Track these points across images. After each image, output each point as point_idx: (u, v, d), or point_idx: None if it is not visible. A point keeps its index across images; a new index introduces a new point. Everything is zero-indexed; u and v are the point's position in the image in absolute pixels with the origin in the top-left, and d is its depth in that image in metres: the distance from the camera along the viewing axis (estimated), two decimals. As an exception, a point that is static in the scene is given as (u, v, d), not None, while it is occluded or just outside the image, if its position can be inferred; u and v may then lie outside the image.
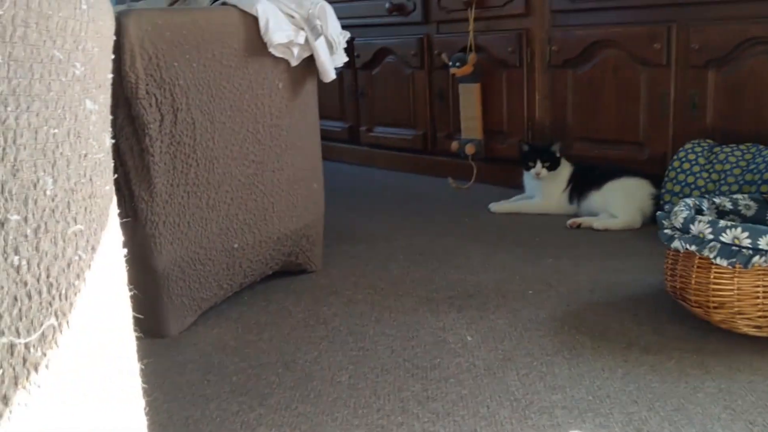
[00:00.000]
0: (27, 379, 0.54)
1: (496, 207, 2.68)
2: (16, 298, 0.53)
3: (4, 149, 0.52)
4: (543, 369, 1.43)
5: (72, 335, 0.59)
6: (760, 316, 1.48)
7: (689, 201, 1.70)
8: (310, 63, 1.89)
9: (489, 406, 1.30)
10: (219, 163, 1.69)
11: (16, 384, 0.53)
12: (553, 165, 2.56)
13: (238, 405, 1.34)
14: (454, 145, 3.06)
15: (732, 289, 1.49)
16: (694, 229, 1.54)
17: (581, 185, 2.56)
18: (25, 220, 0.54)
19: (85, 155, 0.63)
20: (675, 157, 2.22)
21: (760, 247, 1.44)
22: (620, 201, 2.41)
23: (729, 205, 1.76)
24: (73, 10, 0.59)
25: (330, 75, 1.81)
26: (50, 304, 0.56)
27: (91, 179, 0.64)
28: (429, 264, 2.11)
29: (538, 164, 2.55)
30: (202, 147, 1.65)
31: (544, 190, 2.61)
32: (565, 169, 2.60)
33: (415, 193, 3.07)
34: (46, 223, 0.56)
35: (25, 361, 0.54)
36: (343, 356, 1.53)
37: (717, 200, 1.76)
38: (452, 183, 3.10)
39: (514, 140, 2.90)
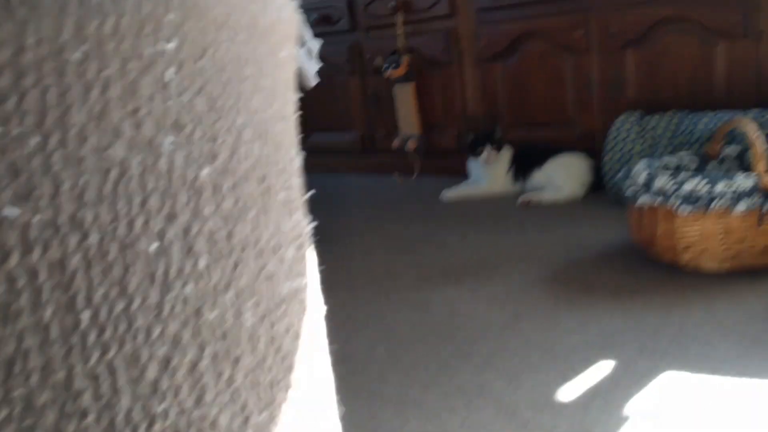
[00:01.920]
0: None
1: (448, 195, 2.87)
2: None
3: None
4: (552, 320, 1.62)
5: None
6: (723, 252, 1.73)
7: (644, 163, 1.94)
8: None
9: (520, 354, 1.47)
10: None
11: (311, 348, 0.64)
12: (498, 148, 2.78)
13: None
14: (396, 142, 3.23)
15: (697, 232, 1.73)
16: (657, 184, 1.78)
17: (523, 166, 2.79)
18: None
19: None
20: (611, 130, 2.48)
21: (717, 192, 1.68)
22: (563, 175, 2.65)
23: (675, 162, 2.02)
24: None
25: (313, 80, 1.94)
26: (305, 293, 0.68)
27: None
28: (410, 250, 2.27)
29: (487, 148, 2.75)
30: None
31: (490, 173, 2.82)
32: (506, 153, 2.82)
33: (365, 192, 3.22)
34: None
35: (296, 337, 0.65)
36: (371, 335, 1.66)
37: (666, 159, 2.01)
38: (398, 178, 3.27)
39: (451, 133, 3.10)
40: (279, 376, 0.57)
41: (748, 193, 1.68)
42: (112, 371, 0.42)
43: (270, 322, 0.56)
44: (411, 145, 3.19)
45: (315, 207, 2.54)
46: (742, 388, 1.23)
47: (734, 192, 1.68)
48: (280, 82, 0.57)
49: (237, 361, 0.52)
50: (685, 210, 1.72)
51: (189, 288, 0.46)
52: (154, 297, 0.44)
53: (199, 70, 0.45)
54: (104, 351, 0.41)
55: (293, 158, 0.62)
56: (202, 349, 0.48)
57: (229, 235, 0.50)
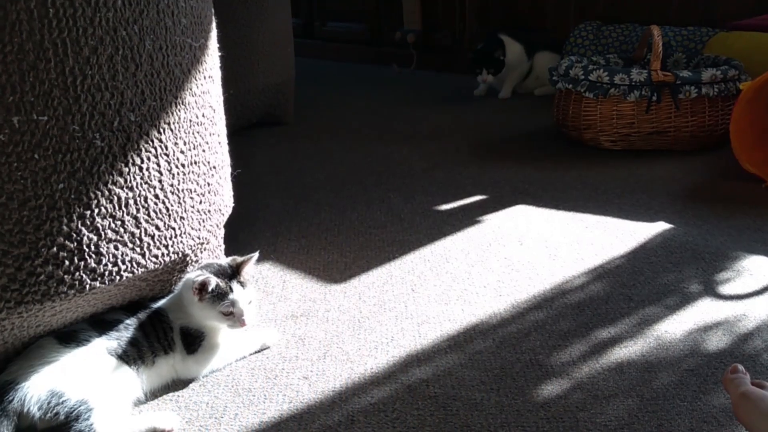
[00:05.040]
0: (203, 73, 1.08)
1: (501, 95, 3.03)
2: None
3: None
4: (461, 170, 2.03)
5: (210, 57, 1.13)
6: (615, 133, 2.10)
7: (573, 58, 2.29)
8: (284, -49, 2.38)
9: (423, 186, 1.89)
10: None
11: (198, 73, 1.06)
12: (497, 70, 2.92)
13: (285, 200, 1.90)
14: (397, 34, 3.59)
15: (596, 114, 2.10)
16: (572, 73, 2.14)
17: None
18: None
19: None
20: (570, 35, 2.80)
21: (615, 82, 2.04)
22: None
23: (602, 62, 2.36)
24: None
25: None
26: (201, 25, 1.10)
27: None
28: (380, 119, 2.67)
29: (484, 72, 2.94)
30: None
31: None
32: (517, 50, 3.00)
33: (366, 77, 3.60)
34: None
35: (196, 59, 1.07)
36: (322, 168, 2.09)
37: (594, 58, 2.36)
38: (396, 68, 3.64)
39: (447, 32, 3.44)
40: (169, 87, 1.00)
41: (640, 86, 2.03)
42: (64, 43, 0.85)
43: (164, 53, 0.98)
44: (410, 39, 3.54)
45: (319, 85, 3.06)
46: (566, 217, 1.64)
47: (629, 83, 2.04)
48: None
49: (139, 65, 0.94)
50: (588, 95, 2.09)
51: (111, 14, 0.89)
52: (89, 12, 0.86)
53: None
54: (60, 31, 0.84)
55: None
56: (116, 49, 0.91)
57: (137, -7, 0.92)
